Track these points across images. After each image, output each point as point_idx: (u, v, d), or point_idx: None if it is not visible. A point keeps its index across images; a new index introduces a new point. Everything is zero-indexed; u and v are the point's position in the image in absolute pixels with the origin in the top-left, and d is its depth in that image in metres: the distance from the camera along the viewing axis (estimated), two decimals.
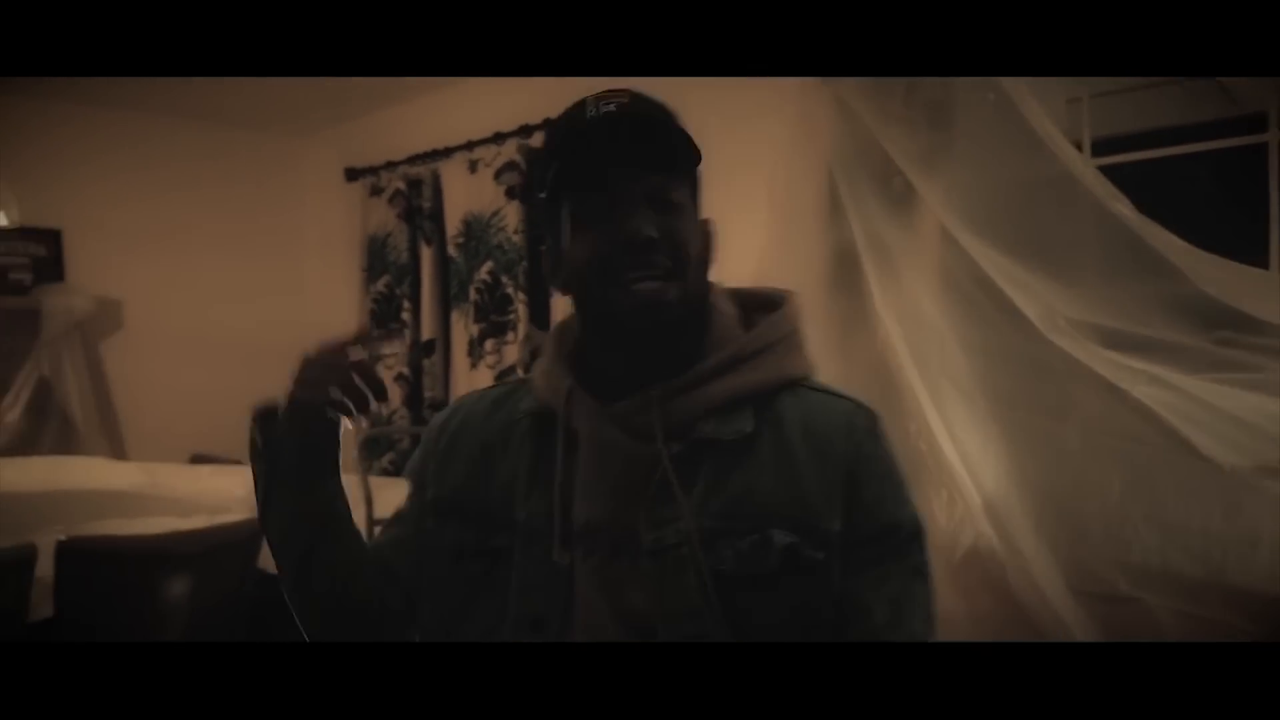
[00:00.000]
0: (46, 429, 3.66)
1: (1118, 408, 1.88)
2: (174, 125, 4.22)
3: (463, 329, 3.65)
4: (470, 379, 3.60)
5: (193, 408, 4.14)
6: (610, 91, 1.02)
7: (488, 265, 3.55)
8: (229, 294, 4.33)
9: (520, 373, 1.15)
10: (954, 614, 1.93)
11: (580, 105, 1.01)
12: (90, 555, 2.11)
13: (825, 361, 2.26)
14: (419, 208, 3.85)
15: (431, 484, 1.11)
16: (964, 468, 1.95)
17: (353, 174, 4.20)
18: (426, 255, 3.81)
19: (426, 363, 3.78)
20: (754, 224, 2.53)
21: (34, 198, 3.88)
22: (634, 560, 1.01)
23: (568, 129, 1.01)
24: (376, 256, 4.06)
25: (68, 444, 3.68)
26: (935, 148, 2.29)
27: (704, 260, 1.05)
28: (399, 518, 1.16)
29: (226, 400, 4.07)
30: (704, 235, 1.04)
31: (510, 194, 3.47)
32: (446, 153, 3.73)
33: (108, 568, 2.13)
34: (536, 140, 3.41)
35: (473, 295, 3.60)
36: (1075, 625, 1.70)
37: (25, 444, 3.60)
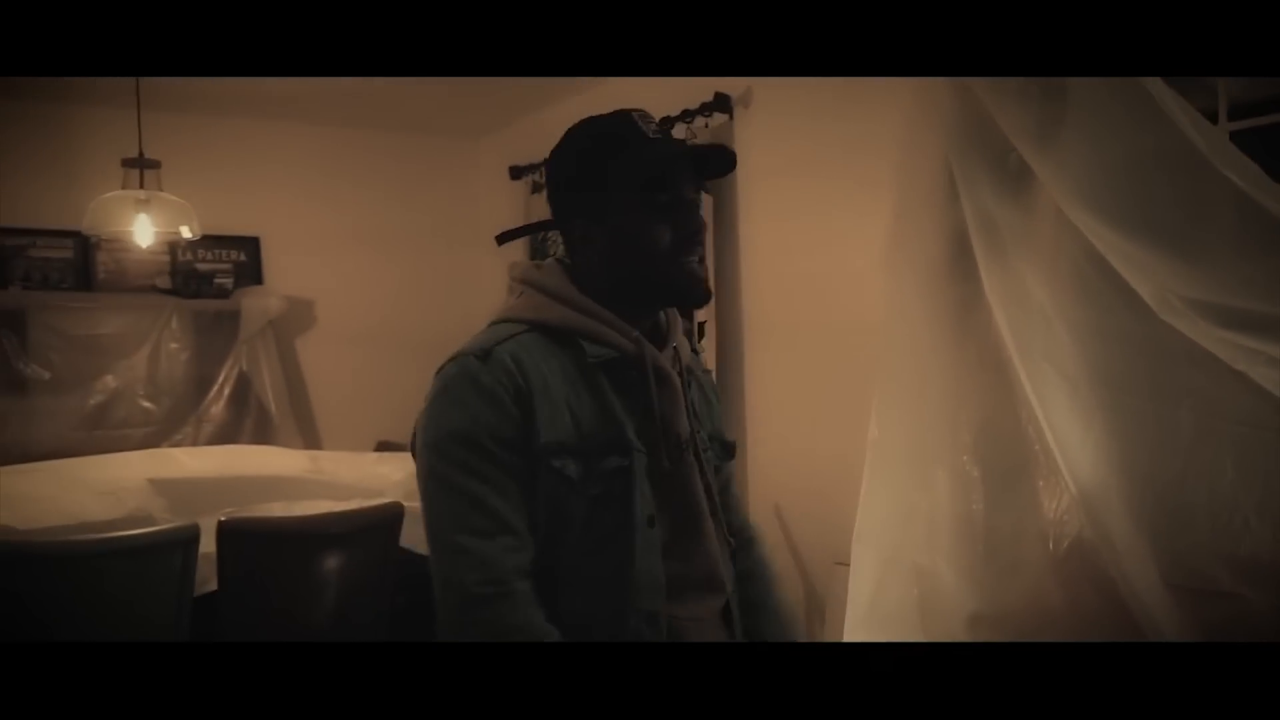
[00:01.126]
0: (246, 419, 4.04)
1: (1233, 390, 1.77)
2: (355, 135, 4.54)
3: None
4: None
5: (377, 398, 4.46)
6: (645, 114, 1.31)
7: None
8: (408, 290, 4.63)
9: None
10: (1054, 606, 1.88)
11: (632, 121, 1.29)
12: (248, 534, 2.34)
13: (941, 347, 2.22)
14: None
15: (533, 434, 1.20)
16: (1062, 455, 1.88)
17: (516, 172, 4.39)
18: None
19: None
20: (877, 209, 2.50)
21: (235, 209, 4.27)
22: (693, 458, 1.32)
23: (651, 143, 1.28)
24: (537, 251, 4.22)
25: (265, 433, 4.05)
26: (1050, 120, 2.19)
27: None
28: (503, 484, 1.20)
29: (408, 390, 4.38)
30: None
31: None
32: None
33: (264, 545, 2.36)
34: (679, 133, 3.47)
35: None
36: (1167, 620, 1.62)
37: (228, 433, 3.99)
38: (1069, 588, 1.86)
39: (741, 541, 1.45)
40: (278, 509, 2.65)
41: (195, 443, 3.88)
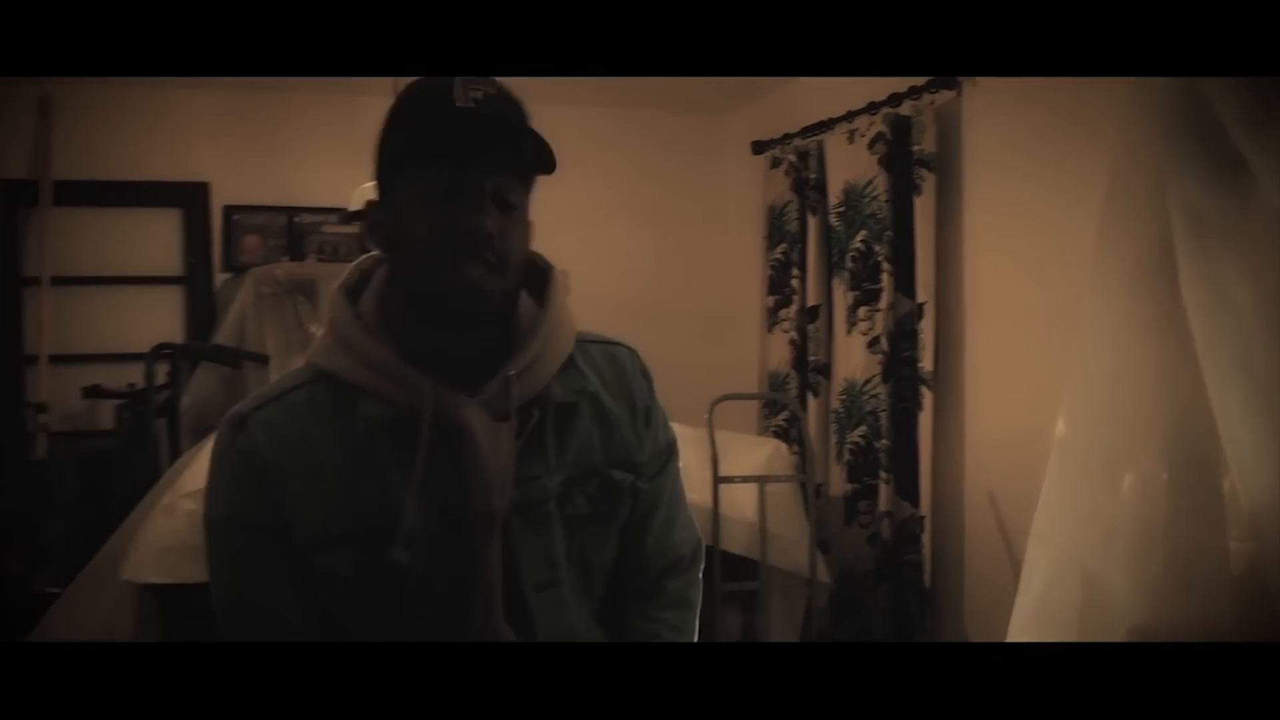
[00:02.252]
0: None
1: None
2: (608, 113, 4.76)
3: (842, 295, 3.78)
4: (846, 345, 3.74)
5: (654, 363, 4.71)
6: (476, 81, 1.07)
7: (861, 234, 3.64)
8: (660, 264, 4.83)
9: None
10: (1224, 629, 1.79)
11: (448, 87, 1.05)
12: None
13: (1141, 343, 2.13)
14: (806, 179, 4.02)
15: (297, 520, 1.06)
16: (1240, 467, 1.78)
17: (758, 147, 4.46)
18: (812, 224, 3.97)
19: (811, 328, 3.96)
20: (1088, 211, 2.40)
21: None
22: (503, 523, 1.09)
23: (434, 109, 1.04)
24: (775, 225, 4.30)
25: None
26: (1269, 108, 2.02)
27: (525, 257, 1.16)
28: (258, 575, 1.08)
29: (658, 360, 4.60)
30: (528, 235, 1.15)
31: (881, 164, 3.52)
32: (830, 124, 3.86)
33: None
34: (905, 109, 3.43)
35: (848, 263, 3.72)
36: None
37: None
38: (1243, 610, 1.76)
39: (658, 568, 1.28)
40: None
41: None
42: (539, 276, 1.22)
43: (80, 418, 4.12)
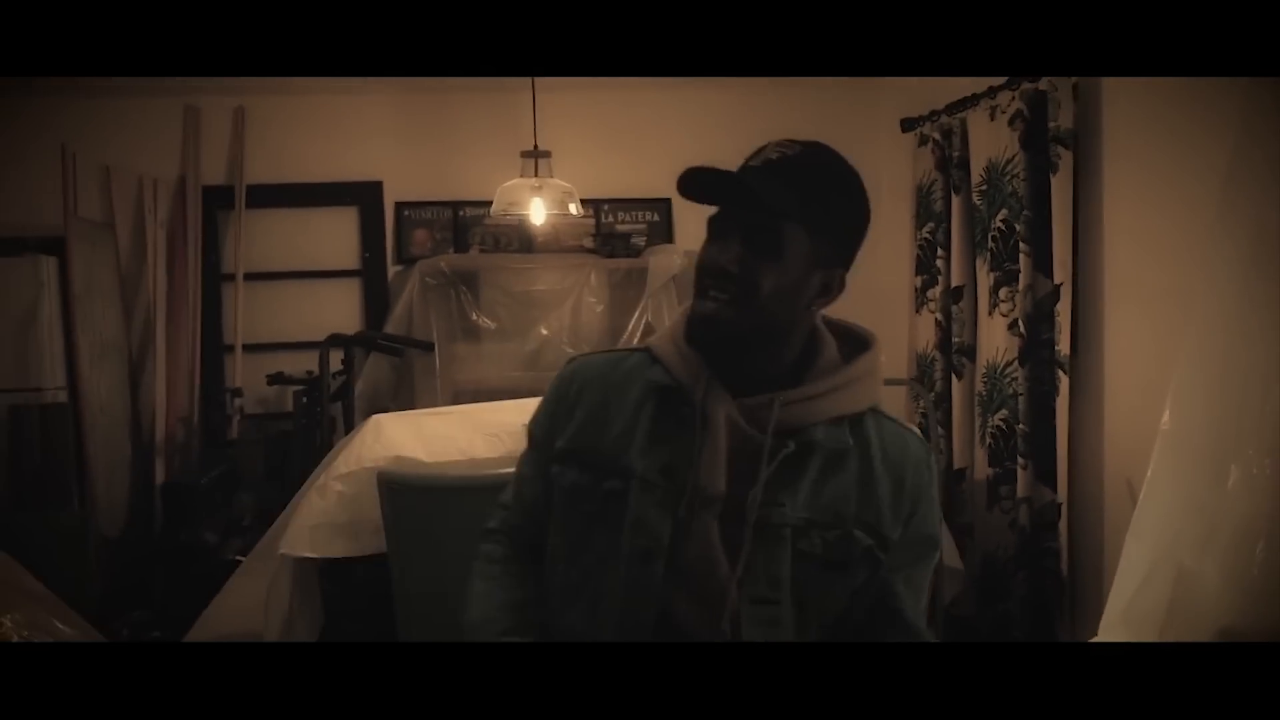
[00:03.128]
0: None
1: None
2: (749, 90, 4.78)
3: (984, 276, 3.70)
4: (988, 326, 3.66)
5: None
6: (787, 142, 1.27)
7: (1002, 213, 3.55)
8: None
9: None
10: None
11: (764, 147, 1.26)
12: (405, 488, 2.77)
13: (1255, 332, 2.05)
14: (950, 156, 3.94)
15: (559, 436, 1.34)
16: None
17: (907, 124, 4.39)
18: (955, 203, 3.89)
19: (955, 309, 3.89)
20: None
21: (648, 173, 4.76)
22: (738, 528, 1.24)
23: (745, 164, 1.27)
24: (923, 204, 4.23)
25: None
26: None
27: (790, 300, 1.25)
28: (523, 483, 1.43)
29: None
30: (809, 284, 1.26)
31: (1021, 141, 3.42)
32: (974, 100, 3.77)
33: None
34: (1043, 84, 3.32)
35: (990, 243, 3.63)
36: None
37: None
38: None
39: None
40: None
41: None
42: (857, 342, 1.36)
43: (270, 401, 4.54)
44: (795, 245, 1.23)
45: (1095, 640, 2.04)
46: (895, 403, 4.27)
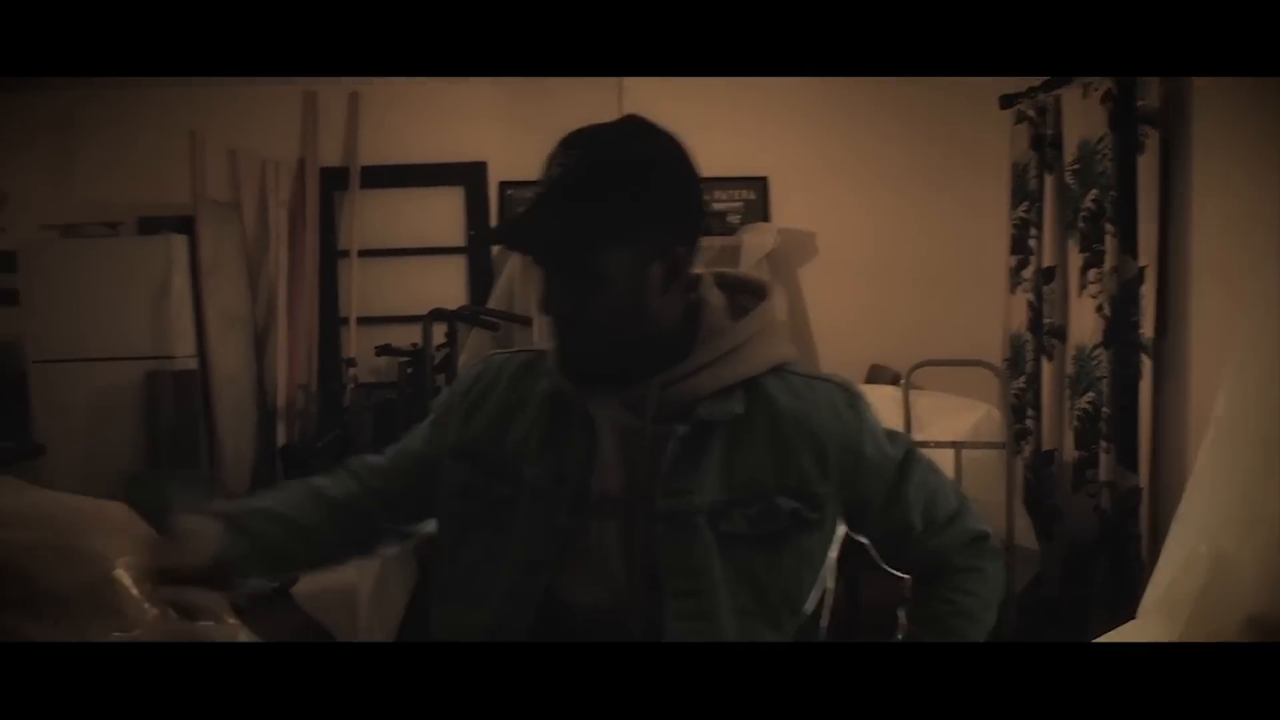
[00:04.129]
0: None
1: None
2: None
3: (1075, 256, 3.65)
4: (1078, 307, 3.62)
5: (872, 325, 4.78)
6: (567, 148, 1.18)
7: (1093, 193, 3.50)
8: (903, 222, 4.82)
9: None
10: None
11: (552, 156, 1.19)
12: None
13: None
14: (1044, 134, 3.88)
15: (454, 428, 1.32)
16: None
17: (1006, 101, 4.33)
18: (1049, 182, 3.84)
19: (1047, 289, 3.85)
20: None
21: (743, 151, 4.81)
22: (648, 523, 1.20)
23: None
24: (1018, 182, 4.18)
25: None
26: None
27: (636, 303, 1.19)
28: (411, 440, 1.39)
29: (899, 316, 4.66)
30: (650, 280, 1.19)
31: (1110, 119, 3.36)
32: (1068, 78, 3.71)
33: None
34: None
35: (1080, 223, 3.58)
36: None
37: None
38: None
39: (934, 561, 1.37)
40: None
41: None
42: (753, 294, 1.31)
43: (382, 371, 4.80)
44: (613, 259, 1.16)
45: (1131, 624, 2.06)
46: (984, 384, 4.25)
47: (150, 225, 4.64)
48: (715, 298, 1.28)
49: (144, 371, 4.28)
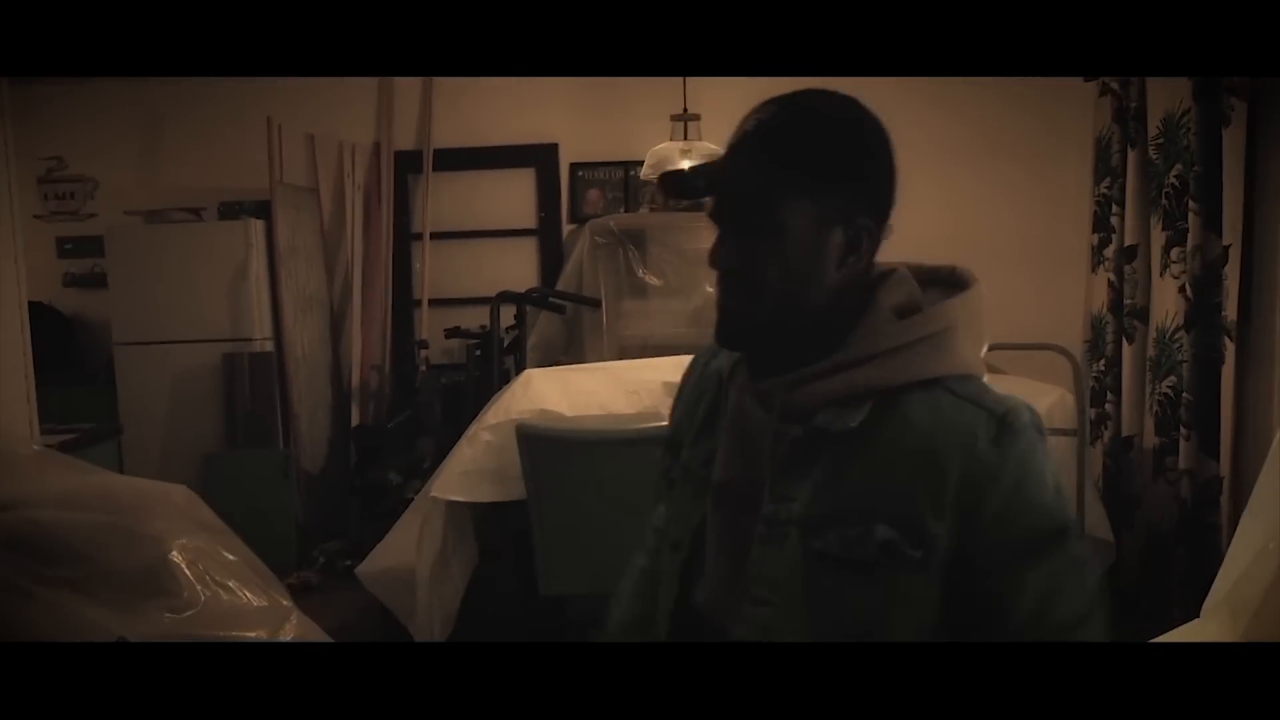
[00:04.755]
0: None
1: None
2: None
3: (1158, 234, 3.50)
4: (1160, 287, 3.47)
5: None
6: (767, 104, 1.13)
7: (1176, 168, 3.34)
8: (980, 200, 4.69)
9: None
10: None
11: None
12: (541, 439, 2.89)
13: None
14: (1128, 107, 3.72)
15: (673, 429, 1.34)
16: None
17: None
18: (1131, 157, 3.68)
19: (1128, 269, 3.70)
20: None
21: None
22: (753, 522, 1.14)
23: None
24: (1101, 158, 4.02)
25: None
26: None
27: (810, 272, 1.10)
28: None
29: (993, 297, 4.54)
30: (829, 247, 1.10)
31: (1195, 90, 3.21)
32: None
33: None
34: None
35: (1163, 200, 3.43)
36: None
37: None
38: None
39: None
40: None
41: None
42: (950, 280, 1.20)
43: (454, 352, 4.86)
44: (796, 216, 1.08)
45: (1192, 623, 1.97)
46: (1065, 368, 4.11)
47: (231, 210, 4.76)
48: (893, 295, 1.16)
49: (221, 354, 4.40)
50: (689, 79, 4.09)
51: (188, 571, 2.22)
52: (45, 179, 5.19)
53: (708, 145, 3.75)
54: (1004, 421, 1.07)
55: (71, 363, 4.95)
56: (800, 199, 1.09)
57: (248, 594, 2.28)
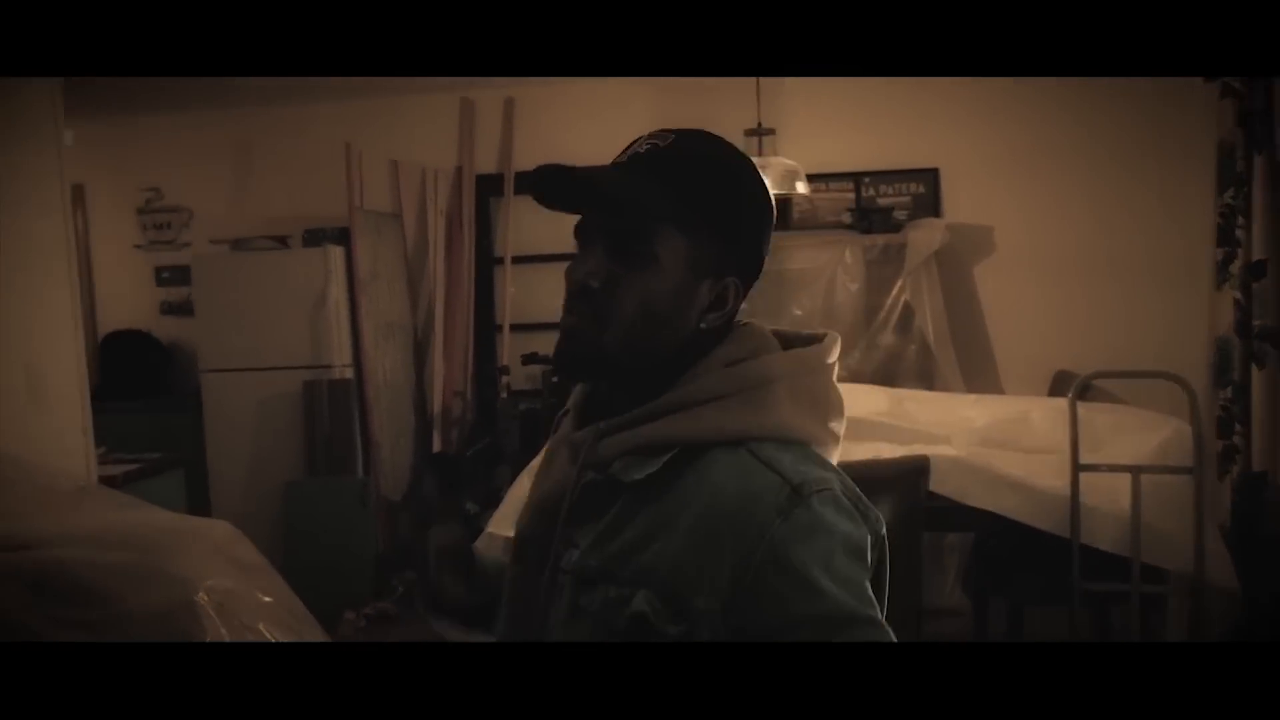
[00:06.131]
0: (910, 348, 4.29)
1: None
2: None
3: None
4: None
5: (1057, 327, 4.36)
6: (662, 133, 1.05)
7: None
8: (1093, 214, 4.36)
9: None
10: None
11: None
12: None
13: None
14: (1253, 109, 3.38)
15: None
16: None
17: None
18: (1258, 164, 3.34)
19: (1256, 286, 3.35)
20: None
21: (912, 142, 4.48)
22: (540, 575, 1.06)
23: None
24: (1224, 165, 3.66)
25: (927, 362, 4.25)
26: None
27: (669, 315, 1.02)
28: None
29: (1089, 318, 4.23)
30: (694, 297, 1.03)
31: None
32: None
33: None
34: None
35: None
36: None
37: (893, 362, 4.29)
38: None
39: None
40: (841, 449, 2.90)
41: (863, 368, 4.25)
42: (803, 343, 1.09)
43: (535, 378, 4.75)
44: (671, 254, 1.01)
45: None
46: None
47: (315, 237, 4.76)
48: (733, 349, 1.05)
49: (301, 381, 4.39)
50: (764, 95, 3.90)
51: (213, 613, 2.13)
52: (144, 209, 5.30)
53: (783, 160, 3.55)
54: (798, 492, 0.95)
55: (167, 389, 5.03)
56: (679, 237, 1.02)
57: (276, 637, 2.17)
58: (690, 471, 1.00)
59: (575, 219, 1.08)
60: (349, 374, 4.49)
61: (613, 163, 1.05)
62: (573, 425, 1.11)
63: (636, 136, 1.07)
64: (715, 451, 1.00)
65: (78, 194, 5.20)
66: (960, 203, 4.50)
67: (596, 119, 4.73)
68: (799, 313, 4.41)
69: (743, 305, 1.08)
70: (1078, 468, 2.77)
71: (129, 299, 5.33)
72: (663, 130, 1.06)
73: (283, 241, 4.76)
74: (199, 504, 3.63)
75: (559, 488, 1.07)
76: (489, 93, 4.88)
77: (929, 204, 4.53)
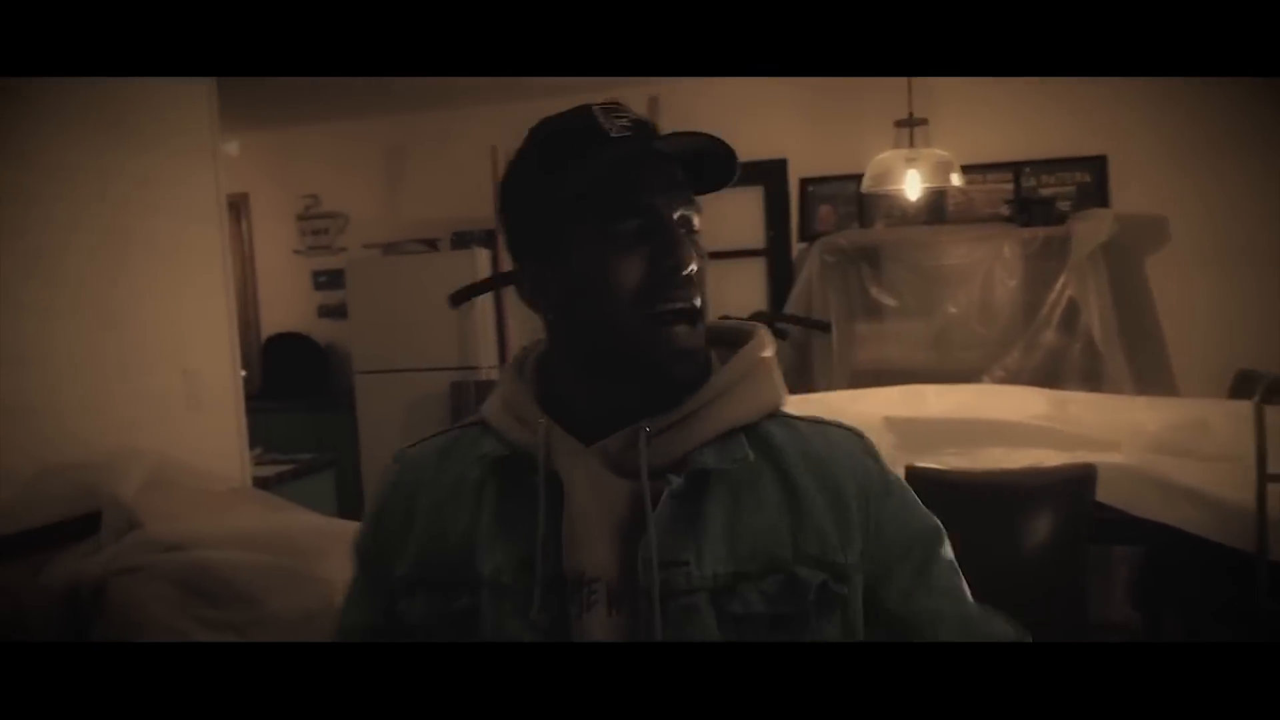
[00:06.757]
0: (1074, 345, 4.04)
1: None
2: None
3: None
4: None
5: (1237, 322, 4.05)
6: (613, 108, 0.95)
7: None
8: (1275, 200, 4.03)
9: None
10: None
11: (587, 113, 0.94)
12: (928, 482, 2.51)
13: None
14: None
15: (397, 560, 1.00)
16: None
17: None
18: None
19: None
20: None
21: (1077, 129, 4.22)
22: (634, 607, 0.91)
23: (591, 142, 0.92)
24: None
25: (1093, 360, 4.00)
26: None
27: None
28: (353, 607, 1.06)
29: (1272, 313, 3.90)
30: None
31: None
32: None
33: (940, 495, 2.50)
34: None
35: None
36: None
37: (1054, 360, 4.05)
38: None
39: None
40: (997, 455, 2.74)
41: (1023, 368, 4.03)
42: (734, 336, 1.03)
43: None
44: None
45: None
46: None
47: (463, 240, 4.83)
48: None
49: (449, 381, 4.45)
50: (915, 84, 3.74)
51: None
52: (303, 215, 5.49)
53: (936, 152, 3.38)
54: (862, 434, 1.03)
55: (324, 390, 5.20)
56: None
57: None
58: (761, 447, 0.97)
59: (712, 221, 1.02)
60: (495, 375, 4.53)
61: (661, 137, 0.93)
62: (582, 436, 0.95)
63: (642, 116, 0.95)
64: (765, 425, 0.98)
65: (242, 202, 5.44)
66: (1130, 192, 4.22)
67: (743, 116, 4.65)
68: (953, 310, 4.22)
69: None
70: (1264, 477, 2.53)
71: (289, 302, 5.54)
72: (612, 104, 0.96)
73: (432, 244, 4.85)
74: (352, 503, 3.70)
75: (613, 509, 0.93)
76: (632, 91, 4.83)
77: (1095, 194, 4.27)
